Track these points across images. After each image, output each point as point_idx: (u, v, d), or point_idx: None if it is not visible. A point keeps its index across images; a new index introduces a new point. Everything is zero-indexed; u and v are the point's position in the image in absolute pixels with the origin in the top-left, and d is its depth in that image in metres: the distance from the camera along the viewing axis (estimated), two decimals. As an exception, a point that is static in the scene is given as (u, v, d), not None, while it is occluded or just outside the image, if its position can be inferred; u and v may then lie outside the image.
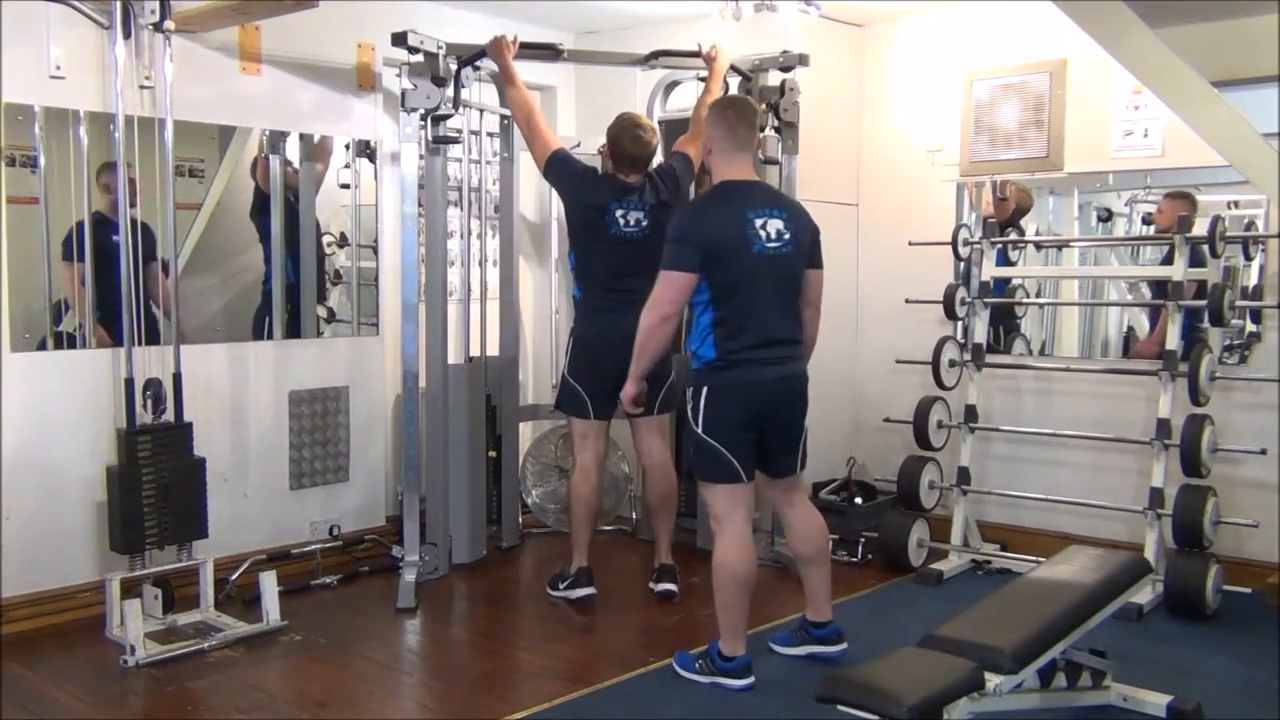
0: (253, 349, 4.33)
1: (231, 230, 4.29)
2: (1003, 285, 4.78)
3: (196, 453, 3.88)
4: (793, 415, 3.39)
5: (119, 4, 3.73)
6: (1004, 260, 4.74)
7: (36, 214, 3.72)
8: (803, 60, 4.46)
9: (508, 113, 4.58)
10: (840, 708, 2.34)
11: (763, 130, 4.45)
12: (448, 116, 4.21)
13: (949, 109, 4.93)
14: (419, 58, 4.08)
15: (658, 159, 4.20)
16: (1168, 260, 4.26)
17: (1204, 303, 3.99)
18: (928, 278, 4.80)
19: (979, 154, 4.85)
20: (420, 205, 4.37)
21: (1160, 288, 4.37)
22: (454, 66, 4.17)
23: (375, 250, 4.69)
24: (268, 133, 4.31)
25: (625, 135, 4.05)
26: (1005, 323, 4.88)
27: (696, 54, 4.35)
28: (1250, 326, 4.24)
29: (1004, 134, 4.76)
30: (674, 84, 5.00)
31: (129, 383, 3.79)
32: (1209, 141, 2.75)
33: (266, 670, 3.48)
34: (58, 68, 3.72)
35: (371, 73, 4.60)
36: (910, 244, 4.88)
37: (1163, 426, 4.08)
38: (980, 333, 4.64)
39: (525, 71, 4.35)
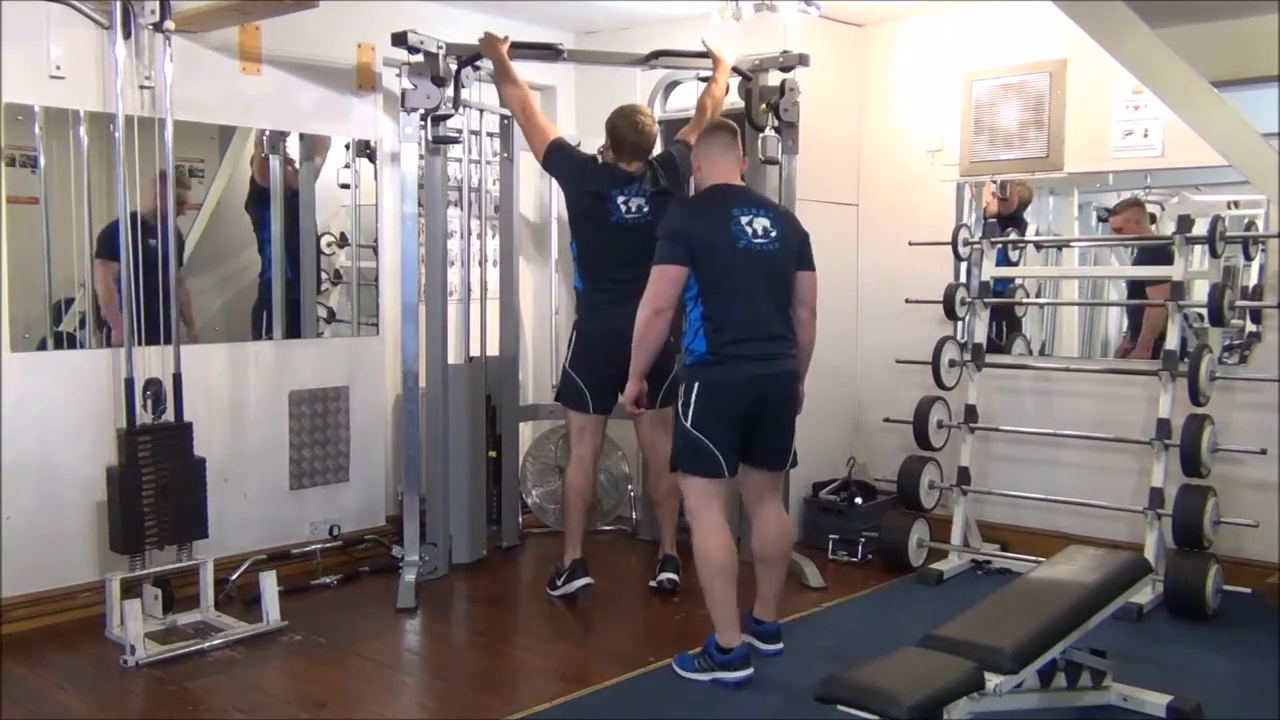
0: (253, 349, 4.33)
1: (231, 230, 4.30)
2: (1004, 285, 4.78)
3: (196, 453, 3.88)
4: (781, 411, 3.42)
5: (119, 4, 3.73)
6: (1004, 260, 4.74)
7: (36, 214, 3.72)
8: (803, 60, 4.46)
9: (507, 112, 4.59)
10: (840, 708, 2.34)
11: (763, 130, 4.46)
12: (448, 116, 4.21)
13: (949, 109, 4.93)
14: (419, 58, 4.08)
15: (658, 149, 4.20)
16: (1139, 262, 4.52)
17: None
18: (928, 278, 4.80)
19: (979, 154, 4.85)
20: (420, 205, 4.37)
21: (1134, 288, 4.55)
22: (454, 66, 4.18)
23: (375, 250, 4.69)
24: (267, 133, 4.31)
25: (624, 122, 4.07)
26: (1007, 320, 4.87)
27: (697, 54, 4.35)
28: (1250, 326, 4.24)
29: (1004, 134, 4.76)
30: (674, 84, 5.00)
31: (129, 383, 3.79)
32: (1209, 141, 2.75)
33: (266, 670, 3.48)
34: (58, 68, 3.72)
35: (371, 73, 4.60)
36: (910, 244, 4.88)
37: (1163, 426, 4.08)
38: (980, 333, 4.64)
39: (525, 72, 4.35)
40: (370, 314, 4.70)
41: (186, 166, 4.10)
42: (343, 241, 4.63)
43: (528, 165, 4.61)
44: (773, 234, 3.38)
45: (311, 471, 4.50)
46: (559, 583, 4.17)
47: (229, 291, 4.30)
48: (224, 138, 4.21)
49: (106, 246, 3.84)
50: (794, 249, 3.45)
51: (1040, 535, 4.60)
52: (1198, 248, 4.14)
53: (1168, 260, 4.15)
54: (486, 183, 4.98)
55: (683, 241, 3.31)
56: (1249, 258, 4.16)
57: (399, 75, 4.34)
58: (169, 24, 3.73)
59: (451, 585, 4.38)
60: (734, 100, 4.49)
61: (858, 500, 4.88)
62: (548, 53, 4.42)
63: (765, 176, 4.60)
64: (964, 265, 4.80)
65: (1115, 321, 4.75)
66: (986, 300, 4.63)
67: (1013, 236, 4.72)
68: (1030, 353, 4.89)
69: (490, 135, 4.91)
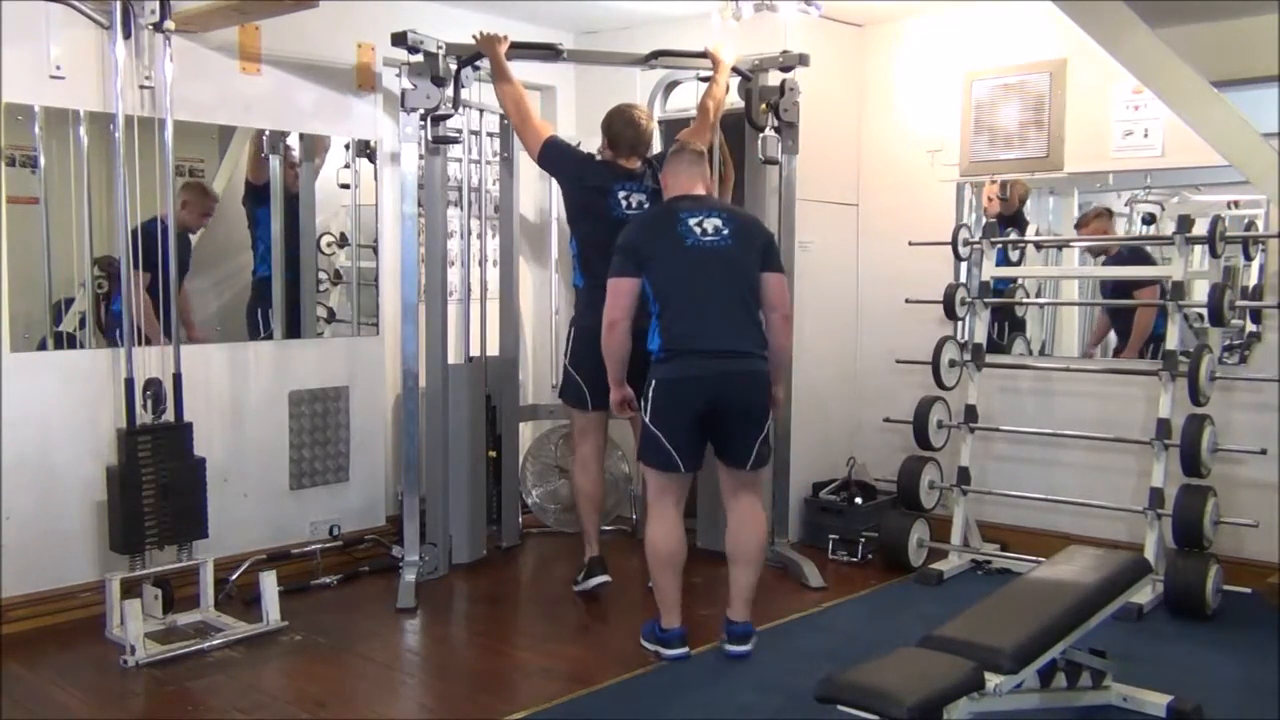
0: (253, 349, 4.33)
1: (231, 230, 4.30)
2: (1004, 285, 4.78)
3: (196, 453, 3.88)
4: (743, 410, 3.45)
5: (119, 4, 3.73)
6: (1004, 260, 4.74)
7: (36, 214, 3.72)
8: (803, 60, 4.46)
9: (506, 112, 4.59)
10: (840, 708, 2.34)
11: (763, 130, 4.46)
12: (448, 116, 4.21)
13: (949, 109, 4.93)
14: (419, 58, 4.09)
15: (656, 147, 4.20)
16: (1113, 261, 4.63)
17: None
18: (928, 278, 4.80)
19: (979, 154, 4.85)
20: (420, 205, 4.37)
21: (1115, 290, 4.63)
22: (454, 66, 4.18)
23: (375, 250, 4.69)
24: (267, 133, 4.31)
25: (619, 118, 4.09)
26: (1007, 320, 4.88)
27: (696, 54, 4.35)
28: (1250, 326, 4.24)
29: (1004, 134, 4.76)
30: (674, 84, 5.00)
31: (129, 383, 3.79)
32: (1209, 141, 2.75)
33: (266, 670, 3.48)
34: (58, 68, 3.72)
35: (371, 73, 4.60)
36: (910, 244, 4.88)
37: (1163, 426, 4.08)
38: (980, 333, 4.64)
39: (525, 71, 4.35)
40: (370, 314, 4.70)
41: (196, 172, 4.09)
42: (343, 241, 4.63)
43: (528, 165, 4.61)
44: (724, 231, 3.48)
45: (311, 471, 4.50)
46: (579, 579, 4.18)
47: (229, 291, 4.30)
48: (224, 138, 4.21)
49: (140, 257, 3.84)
50: (755, 248, 3.52)
51: (1040, 535, 4.60)
52: (1198, 248, 4.15)
53: (1145, 262, 4.23)
54: (486, 183, 4.98)
55: (631, 252, 3.47)
56: (1249, 258, 4.16)
57: (399, 75, 4.34)
58: (169, 24, 3.73)
59: (451, 585, 4.38)
60: (734, 100, 4.50)
61: (858, 500, 4.88)
62: (548, 53, 4.42)
63: (765, 176, 4.60)
64: (964, 265, 4.80)
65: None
66: (986, 300, 4.63)
67: (1013, 236, 4.72)
68: (1030, 353, 4.89)
69: (490, 135, 4.91)
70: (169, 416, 3.86)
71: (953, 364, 4.65)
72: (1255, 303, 4.18)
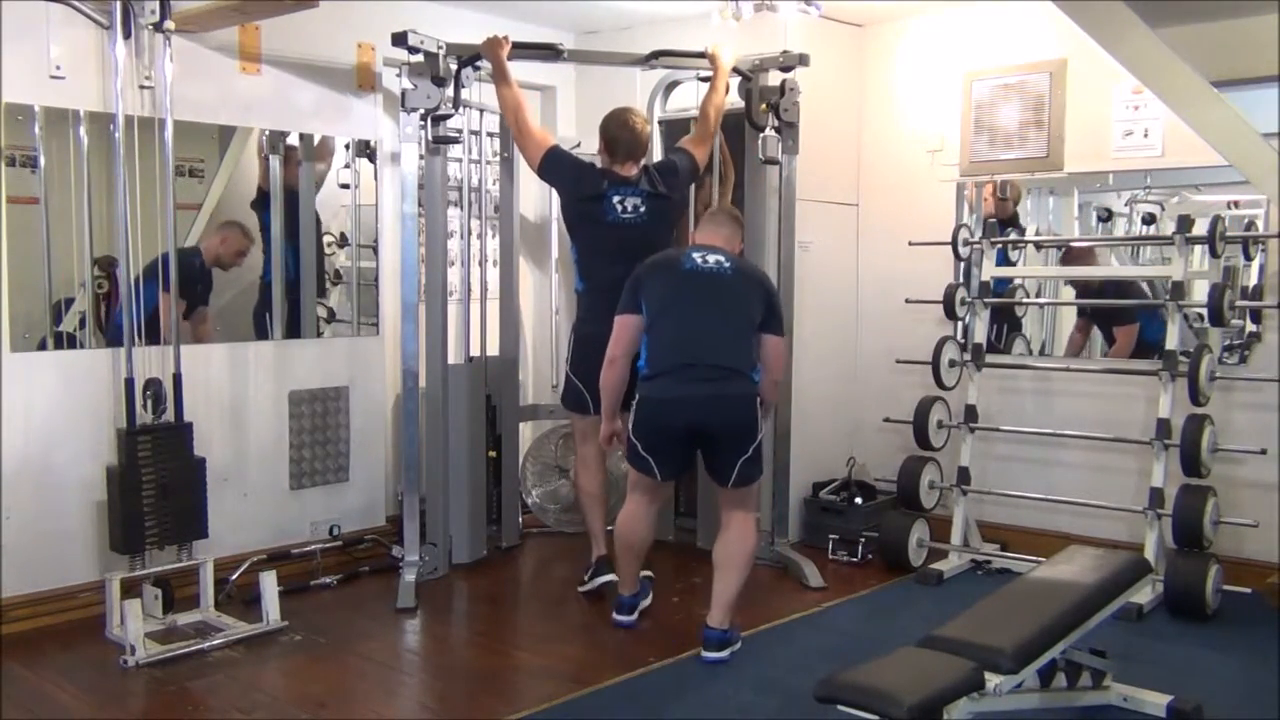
0: (253, 349, 4.33)
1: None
2: (1003, 285, 4.78)
3: (196, 453, 3.89)
4: (726, 433, 3.52)
5: (119, 4, 3.73)
6: (1004, 260, 4.74)
7: (36, 214, 3.72)
8: (803, 60, 4.46)
9: (506, 113, 4.59)
10: (840, 708, 2.34)
11: (763, 130, 4.46)
12: (448, 116, 4.21)
13: (949, 109, 4.93)
14: (419, 58, 4.09)
15: (658, 155, 4.21)
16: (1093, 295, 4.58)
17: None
18: (928, 278, 4.80)
19: (979, 154, 4.85)
20: (420, 205, 4.37)
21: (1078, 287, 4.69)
22: (454, 66, 4.18)
23: (375, 250, 4.69)
24: (267, 132, 4.31)
25: (614, 122, 4.09)
26: (1007, 320, 4.88)
27: (697, 54, 4.35)
28: (1250, 326, 4.24)
29: (1004, 134, 4.76)
30: (674, 84, 5.00)
31: (129, 383, 3.79)
32: (1209, 141, 2.75)
33: (266, 670, 3.48)
34: (58, 68, 3.72)
35: (371, 73, 4.60)
36: (910, 244, 4.88)
37: (1163, 426, 4.08)
38: (980, 333, 4.64)
39: (525, 71, 4.35)
40: (370, 314, 4.70)
41: (196, 172, 4.10)
42: (343, 241, 4.63)
43: (528, 165, 4.61)
44: (725, 265, 3.60)
45: (311, 471, 4.50)
46: (586, 578, 4.19)
47: (229, 291, 4.29)
48: (224, 138, 4.21)
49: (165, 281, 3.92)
50: (756, 292, 3.61)
51: (1040, 535, 4.60)
52: (1198, 248, 4.15)
53: (1128, 295, 4.35)
54: (486, 183, 4.98)
55: (634, 286, 3.62)
56: (1249, 258, 4.16)
57: (399, 75, 4.34)
58: (169, 24, 3.73)
59: (451, 585, 4.38)
60: (734, 100, 4.50)
61: (858, 500, 4.87)
62: (548, 53, 4.42)
63: (765, 176, 4.60)
64: (964, 265, 4.80)
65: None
66: (986, 300, 4.63)
67: (1013, 237, 4.72)
68: (1030, 353, 4.88)
69: (490, 135, 4.91)
70: (169, 416, 3.86)
71: (953, 364, 4.65)
72: (1255, 303, 4.18)
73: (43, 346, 3.77)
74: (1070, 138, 4.58)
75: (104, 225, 3.85)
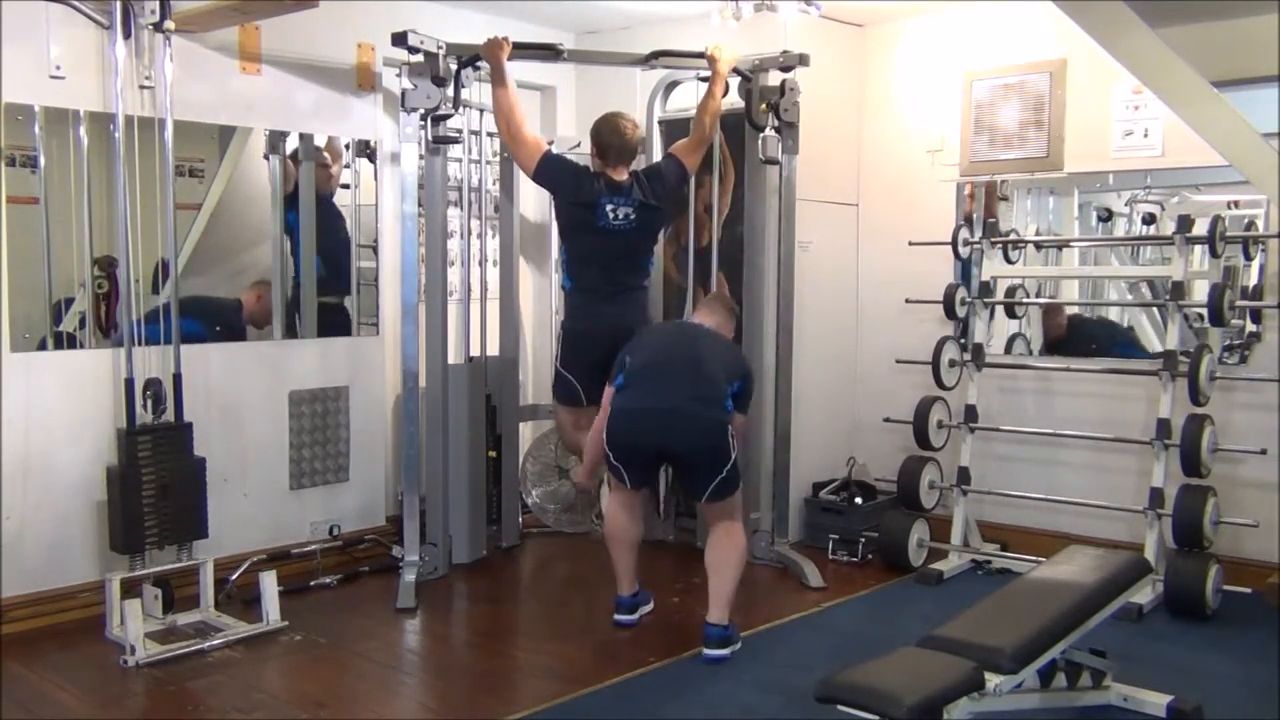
0: (253, 349, 4.33)
1: (232, 230, 4.29)
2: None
3: (196, 453, 3.89)
4: (697, 461, 3.64)
5: (119, 4, 3.73)
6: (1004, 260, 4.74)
7: (36, 214, 3.72)
8: (803, 60, 4.46)
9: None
10: (840, 708, 2.34)
11: (763, 130, 4.46)
12: (448, 116, 4.21)
13: (949, 109, 4.93)
14: (419, 58, 4.09)
15: (658, 154, 4.22)
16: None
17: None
18: (928, 278, 4.80)
19: (979, 154, 4.85)
20: (420, 205, 4.37)
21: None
22: (454, 66, 4.18)
23: (375, 250, 4.69)
24: (268, 132, 4.30)
25: (605, 127, 4.12)
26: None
27: (697, 54, 4.35)
28: (1250, 326, 4.24)
29: (1004, 134, 4.76)
30: (674, 84, 4.99)
31: (129, 383, 3.79)
32: (1209, 141, 2.75)
33: (266, 670, 3.48)
34: (58, 68, 3.72)
35: (371, 73, 4.60)
36: (910, 244, 4.88)
37: (1163, 426, 4.08)
38: (980, 333, 4.63)
39: (525, 71, 4.35)
40: (370, 314, 4.70)
41: (196, 172, 4.10)
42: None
43: (521, 170, 4.61)
44: (710, 329, 3.86)
45: (311, 471, 4.50)
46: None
47: (229, 291, 4.29)
48: (224, 138, 4.21)
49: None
50: (735, 356, 3.88)
51: (1040, 535, 4.60)
52: (1198, 248, 4.15)
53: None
54: (486, 183, 4.98)
55: (621, 357, 3.79)
56: (1249, 258, 4.16)
57: (399, 75, 4.34)
58: (169, 24, 3.74)
59: (451, 585, 4.38)
60: (734, 100, 4.49)
61: (858, 500, 4.88)
62: (548, 53, 4.42)
63: (765, 176, 4.60)
64: (964, 265, 4.79)
65: (1115, 322, 4.75)
66: (986, 300, 4.63)
67: (1013, 237, 4.72)
68: (1030, 353, 4.88)
69: (490, 135, 4.90)
70: (169, 416, 3.86)
71: (953, 364, 4.65)
72: (1255, 303, 4.18)
73: (43, 346, 3.77)
74: (1070, 138, 4.58)
75: (104, 225, 3.85)
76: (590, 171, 4.14)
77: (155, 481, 3.73)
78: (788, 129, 4.51)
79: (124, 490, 3.68)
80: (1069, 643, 2.81)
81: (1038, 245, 4.78)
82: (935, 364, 4.61)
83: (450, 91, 4.17)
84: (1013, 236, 4.72)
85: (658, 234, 4.35)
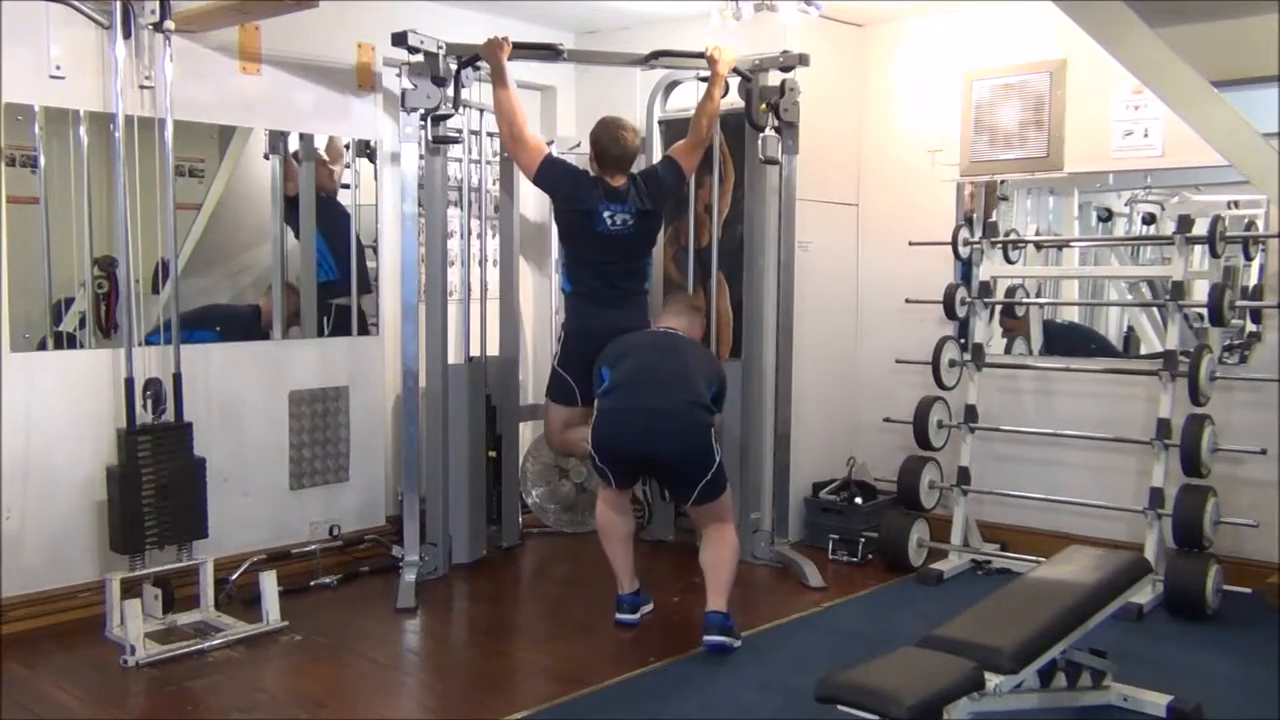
0: (253, 349, 4.33)
1: (232, 230, 4.29)
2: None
3: (196, 453, 3.89)
4: (680, 468, 3.68)
5: (119, 4, 3.73)
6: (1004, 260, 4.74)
7: (36, 214, 3.72)
8: (803, 60, 4.46)
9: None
10: (840, 708, 2.34)
11: (763, 130, 4.46)
12: (448, 116, 4.21)
13: (949, 109, 4.93)
14: (419, 58, 4.09)
15: (657, 154, 4.22)
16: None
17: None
18: (928, 278, 4.80)
19: (979, 154, 4.85)
20: (420, 205, 4.37)
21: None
22: (454, 66, 4.18)
23: (375, 250, 4.69)
24: (268, 132, 4.30)
25: (605, 135, 4.14)
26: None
27: (697, 54, 4.36)
28: (1250, 326, 4.24)
29: (1004, 134, 4.76)
30: (674, 84, 5.00)
31: (129, 383, 3.79)
32: (1209, 141, 2.75)
33: (266, 670, 3.48)
34: (58, 68, 3.72)
35: (371, 73, 4.60)
36: (910, 244, 4.88)
37: (1163, 426, 4.08)
38: (980, 333, 4.63)
39: (525, 72, 4.35)
40: (370, 314, 4.70)
41: (196, 172, 4.10)
42: (343, 241, 4.63)
43: (521, 172, 4.61)
44: (681, 336, 3.95)
45: (311, 471, 4.50)
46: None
47: (230, 291, 4.30)
48: (224, 138, 4.21)
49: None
50: (708, 361, 3.99)
51: (1040, 535, 4.60)
52: (1198, 248, 4.15)
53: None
54: (486, 183, 4.98)
55: (599, 373, 3.87)
56: (1249, 258, 4.16)
57: (399, 75, 4.34)
58: (169, 24, 3.74)
59: (451, 585, 4.38)
60: (734, 100, 4.50)
61: (858, 500, 4.87)
62: (548, 53, 4.42)
63: (765, 176, 4.60)
64: (964, 265, 4.79)
65: (1115, 321, 4.75)
66: (986, 300, 4.63)
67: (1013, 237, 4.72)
68: (1030, 353, 4.88)
69: (490, 135, 4.90)
70: (169, 416, 3.86)
71: (953, 364, 4.65)
72: (1255, 303, 4.18)
73: (43, 346, 3.77)
74: (1070, 138, 4.58)
75: (104, 225, 3.85)
76: (589, 177, 4.15)
77: (155, 481, 3.73)
78: (788, 129, 4.51)
79: (124, 490, 3.68)
80: (1069, 643, 2.81)
81: (1038, 245, 4.79)
82: (935, 364, 4.61)
83: (450, 91, 4.17)
84: (1013, 236, 4.72)
85: (656, 237, 4.38)
